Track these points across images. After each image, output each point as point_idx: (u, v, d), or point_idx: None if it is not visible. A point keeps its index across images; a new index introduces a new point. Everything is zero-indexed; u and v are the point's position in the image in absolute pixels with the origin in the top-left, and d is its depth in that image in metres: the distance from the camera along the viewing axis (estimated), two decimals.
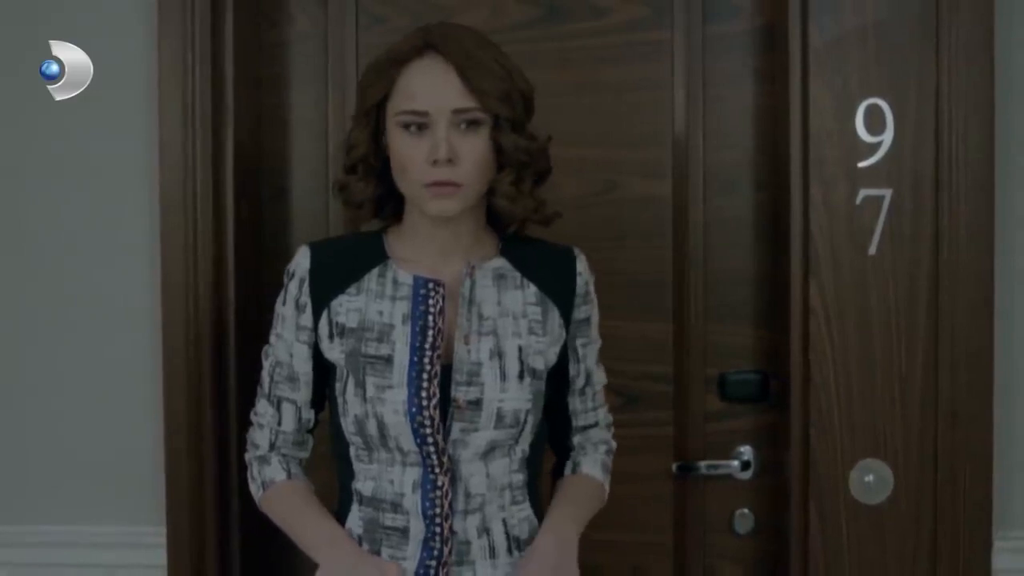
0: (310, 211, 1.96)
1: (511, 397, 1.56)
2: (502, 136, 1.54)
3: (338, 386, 1.59)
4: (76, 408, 1.89)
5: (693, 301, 1.96)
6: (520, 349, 1.58)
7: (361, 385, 1.55)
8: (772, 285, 1.93)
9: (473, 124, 1.52)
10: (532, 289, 1.62)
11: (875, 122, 1.78)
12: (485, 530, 1.56)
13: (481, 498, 1.55)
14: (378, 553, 1.56)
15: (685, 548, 1.98)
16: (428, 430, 1.52)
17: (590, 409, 1.70)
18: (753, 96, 1.93)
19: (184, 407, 1.83)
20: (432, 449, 1.53)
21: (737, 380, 1.96)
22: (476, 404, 1.55)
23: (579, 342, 1.66)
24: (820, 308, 1.81)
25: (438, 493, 1.54)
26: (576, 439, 1.70)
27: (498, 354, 1.57)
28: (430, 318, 1.55)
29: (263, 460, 1.65)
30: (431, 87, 1.51)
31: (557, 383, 1.65)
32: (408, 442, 1.54)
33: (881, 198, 1.79)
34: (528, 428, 1.59)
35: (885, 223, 1.80)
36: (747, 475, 1.95)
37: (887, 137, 1.78)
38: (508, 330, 1.59)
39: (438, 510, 1.53)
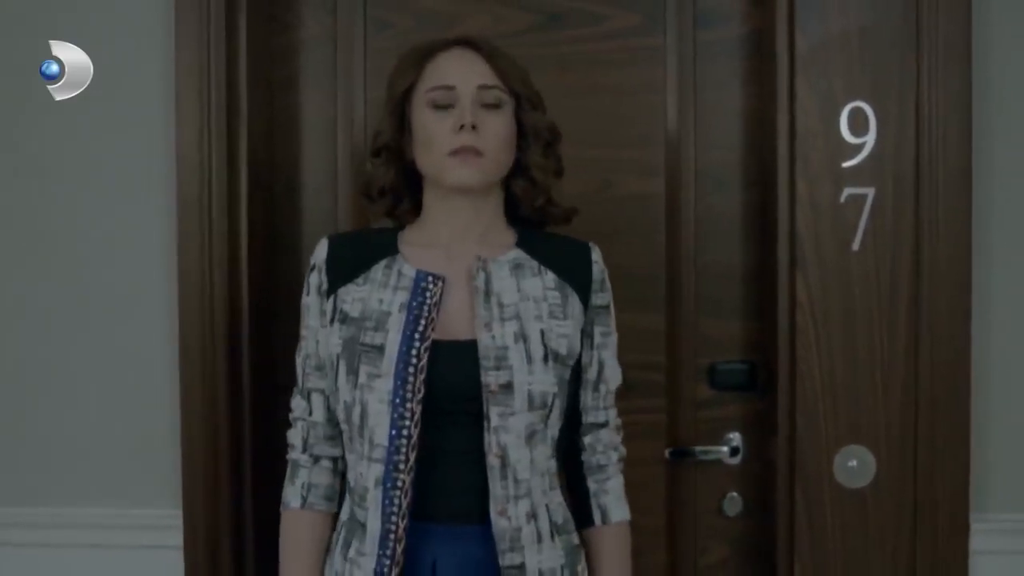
0: (319, 207, 1.99)
1: (538, 380, 1.54)
2: (524, 115, 1.59)
3: (330, 374, 1.59)
4: (97, 396, 1.93)
5: (685, 294, 1.99)
6: (543, 333, 1.57)
7: (354, 372, 1.55)
8: (760, 279, 1.96)
9: (495, 106, 1.56)
10: (550, 275, 1.62)
11: (859, 124, 1.82)
12: (533, 515, 1.54)
13: (527, 484, 1.53)
14: (348, 546, 1.56)
15: (677, 530, 2.01)
16: (407, 423, 1.51)
17: (601, 407, 1.67)
18: (742, 99, 1.96)
19: (199, 393, 1.88)
20: (404, 443, 1.51)
21: (726, 370, 1.99)
22: (508, 387, 1.53)
23: (597, 330, 1.64)
24: (806, 301, 1.85)
25: (397, 492, 1.51)
26: (586, 439, 1.66)
27: (523, 337, 1.55)
28: (425, 308, 1.55)
29: (295, 465, 1.65)
30: (459, 66, 1.57)
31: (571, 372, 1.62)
32: (382, 435, 1.52)
33: (864, 196, 1.82)
34: (556, 412, 1.57)
35: (868, 220, 1.83)
36: (736, 460, 1.99)
37: (870, 138, 1.82)
38: (530, 313, 1.58)
39: (395, 508, 1.50)
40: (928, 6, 1.81)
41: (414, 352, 1.52)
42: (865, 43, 1.82)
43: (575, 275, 1.63)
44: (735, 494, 2.00)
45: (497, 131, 1.56)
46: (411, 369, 1.52)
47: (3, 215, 1.96)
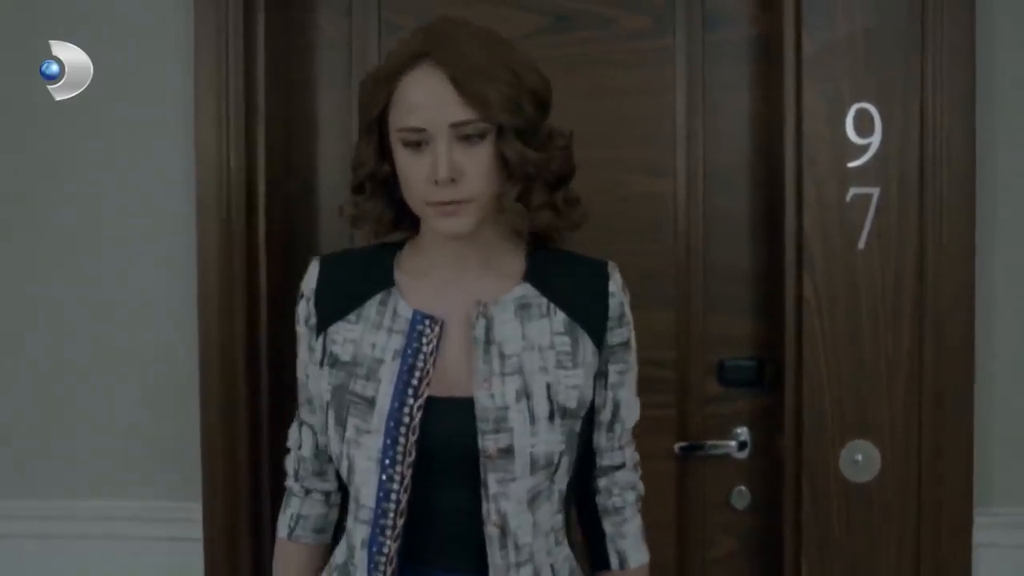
0: (336, 206, 2.01)
1: (542, 441, 1.42)
2: (506, 147, 1.41)
3: (320, 417, 1.51)
4: (119, 391, 1.98)
5: (694, 292, 2.02)
6: (548, 387, 1.44)
7: (342, 424, 1.45)
8: (768, 277, 1.99)
9: (476, 135, 1.40)
10: (560, 316, 1.48)
11: (864, 125, 1.85)
12: None
13: (529, 548, 1.43)
14: None
15: (686, 523, 2.06)
16: (396, 487, 1.41)
17: (616, 448, 1.57)
18: (750, 100, 2.00)
19: (219, 390, 1.92)
20: (392, 508, 1.41)
21: (735, 366, 2.03)
22: (508, 452, 1.41)
23: (613, 368, 1.53)
24: (812, 299, 1.88)
25: (383, 559, 1.42)
26: (602, 482, 1.57)
27: (526, 395, 1.43)
28: (420, 357, 1.43)
29: (288, 494, 1.60)
30: (427, 101, 1.39)
31: (585, 414, 1.50)
32: (368, 496, 1.43)
33: (870, 196, 1.86)
34: (563, 469, 1.46)
35: (873, 220, 1.87)
36: (744, 455, 2.03)
37: (875, 139, 1.86)
38: (535, 365, 1.45)
39: (381, 574, 1.42)
40: (933, 9, 1.84)
41: (407, 410, 1.42)
42: (870, 46, 1.85)
43: (589, 313, 1.50)
44: (743, 488, 2.04)
45: (480, 170, 1.40)
46: (402, 429, 1.41)
47: (22, 216, 2.00)
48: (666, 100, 2.01)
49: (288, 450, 1.61)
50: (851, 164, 1.86)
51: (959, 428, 1.88)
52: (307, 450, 1.56)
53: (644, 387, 1.97)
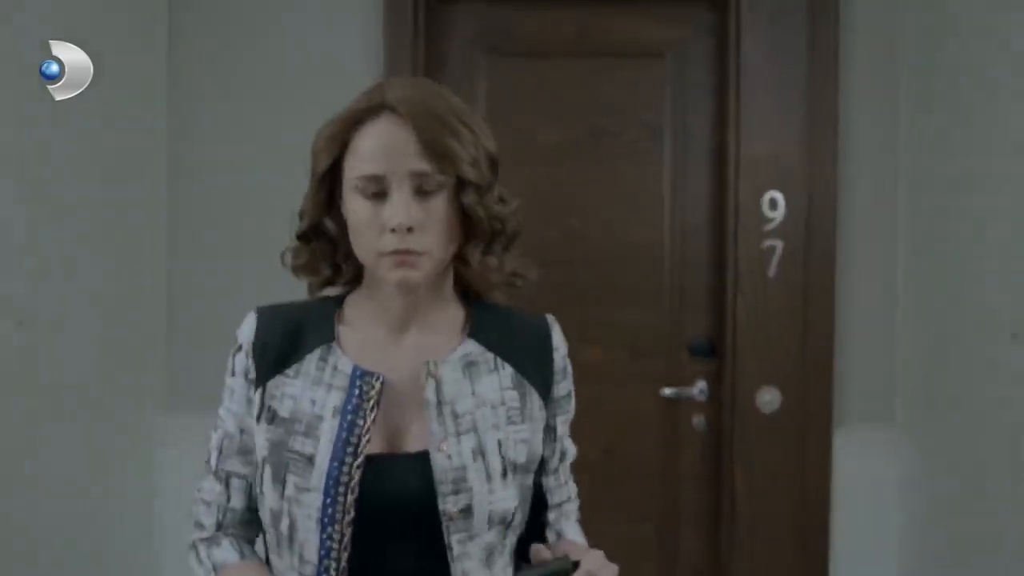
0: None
1: (498, 498, 1.37)
2: (468, 201, 1.35)
3: (257, 473, 1.40)
4: None
5: (673, 299, 3.01)
6: (500, 443, 1.38)
7: (280, 481, 1.36)
8: (718, 291, 2.97)
9: (434, 189, 1.33)
10: (508, 371, 1.42)
11: (773, 204, 2.91)
12: None
13: None
14: None
15: (665, 439, 3.02)
16: (335, 544, 1.33)
17: (563, 484, 1.54)
18: (708, 185, 2.99)
19: None
20: (333, 565, 1.33)
21: (697, 344, 3.00)
22: (467, 511, 1.35)
23: (559, 419, 1.48)
24: (742, 304, 2.89)
25: None
26: (551, 515, 1.53)
27: (481, 453, 1.36)
28: (360, 414, 1.35)
29: (211, 542, 1.45)
30: (386, 149, 1.32)
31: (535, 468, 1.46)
32: (311, 552, 1.34)
33: (775, 246, 2.89)
34: (516, 523, 1.42)
35: (779, 259, 2.89)
36: (703, 397, 3.00)
37: (779, 213, 2.89)
38: (487, 423, 1.38)
39: None
40: (816, 136, 2.92)
41: (345, 469, 1.33)
42: (779, 158, 2.90)
43: (535, 368, 1.44)
44: (702, 417, 3.01)
45: (438, 224, 1.34)
46: (341, 488, 1.32)
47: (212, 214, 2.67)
48: (656, 183, 2.99)
49: (198, 503, 1.48)
50: (766, 227, 2.89)
51: (825, 380, 2.89)
52: (238, 502, 1.45)
53: (644, 356, 2.96)
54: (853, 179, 2.94)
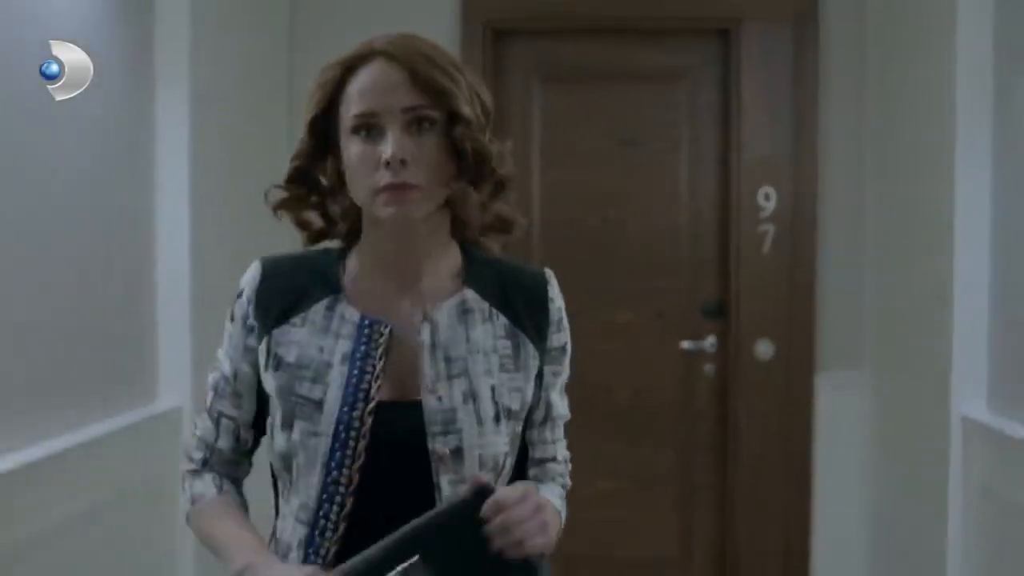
0: None
1: (489, 443, 1.38)
2: (458, 133, 1.35)
3: (269, 418, 1.43)
4: None
5: (691, 272, 3.82)
6: (493, 389, 1.39)
7: (289, 425, 1.38)
8: (723, 265, 3.77)
9: (427, 123, 1.35)
10: (502, 320, 1.43)
11: (767, 197, 3.75)
12: None
13: None
14: None
15: (681, 379, 3.80)
16: (341, 490, 1.34)
17: (548, 441, 1.53)
18: (716, 183, 3.83)
19: None
20: (335, 512, 1.34)
21: (708, 306, 3.80)
22: (457, 453, 1.36)
23: (548, 369, 1.47)
24: (743, 274, 3.72)
25: (319, 562, 1.35)
26: (532, 472, 1.52)
27: (472, 397, 1.37)
28: (370, 362, 1.37)
29: (195, 474, 1.48)
30: (379, 87, 1.35)
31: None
32: (311, 497, 1.36)
33: (768, 230, 3.74)
34: (506, 471, 1.43)
35: (771, 240, 3.74)
36: (712, 349, 3.80)
37: (772, 204, 3.75)
38: (479, 368, 1.39)
39: None
40: (800, 144, 3.73)
41: (356, 414, 1.35)
42: (774, 160, 3.73)
43: (529, 318, 1.45)
44: (711, 365, 3.82)
45: (430, 158, 1.35)
46: (352, 432, 1.35)
47: None
48: (675, 181, 3.82)
49: (193, 438, 1.50)
50: (761, 215, 3.75)
51: (808, 334, 3.73)
52: (225, 443, 1.47)
53: (666, 317, 3.80)
54: (829, 177, 3.74)
